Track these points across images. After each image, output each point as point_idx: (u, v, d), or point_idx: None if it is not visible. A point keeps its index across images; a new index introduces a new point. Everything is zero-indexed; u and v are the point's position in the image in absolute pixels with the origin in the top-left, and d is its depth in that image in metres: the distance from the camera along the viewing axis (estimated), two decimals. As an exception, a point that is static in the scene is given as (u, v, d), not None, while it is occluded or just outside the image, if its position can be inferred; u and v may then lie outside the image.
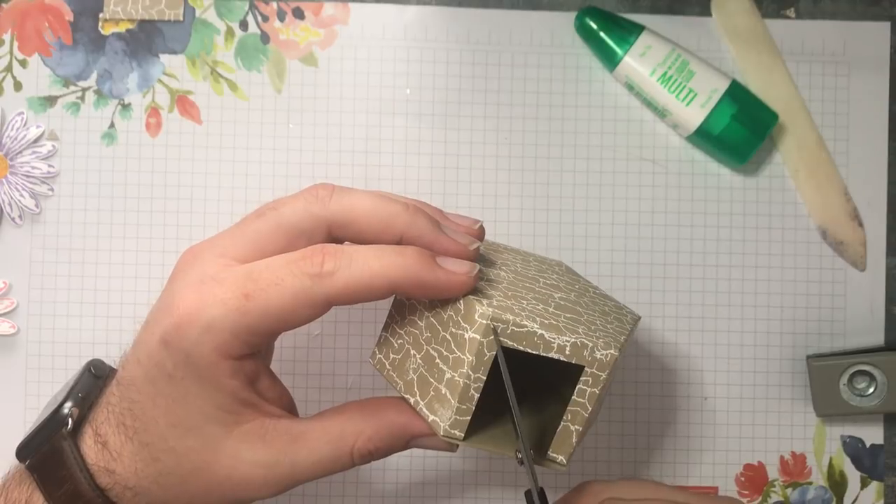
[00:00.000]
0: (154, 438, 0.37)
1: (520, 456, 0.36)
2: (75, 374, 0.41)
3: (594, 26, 0.50)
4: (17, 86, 0.51)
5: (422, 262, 0.36)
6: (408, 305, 0.39)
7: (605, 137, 0.51)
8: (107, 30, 0.51)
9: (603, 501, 0.38)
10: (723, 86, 0.49)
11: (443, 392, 0.37)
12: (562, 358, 0.36)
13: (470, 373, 0.36)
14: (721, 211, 0.51)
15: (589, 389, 0.37)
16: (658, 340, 0.51)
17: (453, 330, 0.36)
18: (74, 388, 0.39)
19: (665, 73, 0.49)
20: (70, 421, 0.37)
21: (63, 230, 0.50)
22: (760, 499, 0.51)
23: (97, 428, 0.38)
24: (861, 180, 0.51)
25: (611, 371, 0.37)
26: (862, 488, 0.51)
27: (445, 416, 0.36)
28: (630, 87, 0.50)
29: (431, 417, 0.37)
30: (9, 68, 0.51)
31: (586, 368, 0.36)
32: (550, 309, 0.38)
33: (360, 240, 0.37)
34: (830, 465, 0.51)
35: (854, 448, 0.51)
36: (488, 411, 0.38)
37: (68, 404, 0.38)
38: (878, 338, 0.51)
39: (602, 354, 0.36)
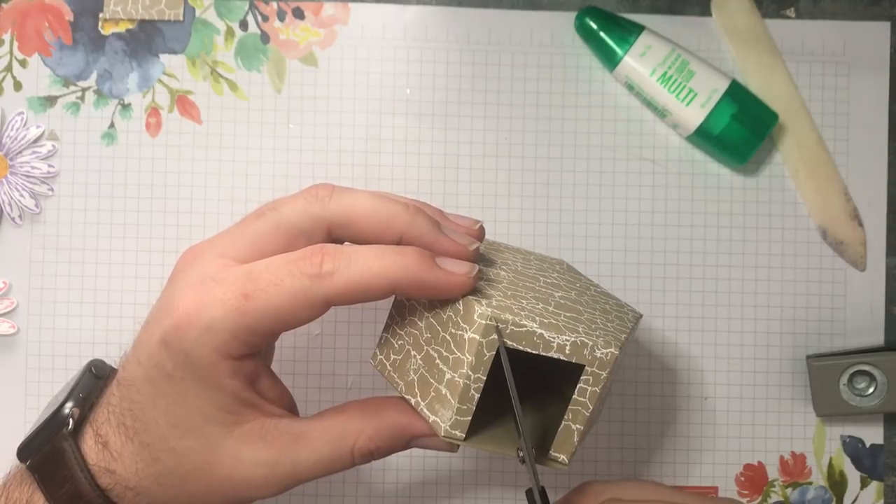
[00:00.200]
0: (154, 439, 0.37)
1: (521, 454, 0.36)
2: (76, 374, 0.41)
3: (594, 26, 0.50)
4: (17, 86, 0.51)
5: (421, 262, 0.36)
6: (408, 306, 0.39)
7: (605, 137, 0.51)
8: (107, 30, 0.51)
9: (603, 502, 0.38)
10: (723, 86, 0.49)
11: (443, 392, 0.37)
12: (562, 357, 0.36)
13: (470, 373, 0.36)
14: (721, 211, 0.51)
15: (590, 388, 0.37)
16: (658, 340, 0.51)
17: (453, 330, 0.36)
18: (75, 388, 0.39)
19: (665, 73, 0.49)
20: (71, 421, 0.37)
21: (63, 230, 0.50)
22: (760, 499, 0.51)
23: (98, 428, 0.38)
24: (861, 180, 0.51)
25: (612, 370, 0.37)
26: (862, 488, 0.51)
27: (446, 416, 0.36)
28: (630, 87, 0.50)
29: (432, 418, 0.37)
30: (9, 68, 0.51)
31: (587, 367, 0.36)
32: (550, 308, 0.38)
33: (360, 240, 0.37)
34: (830, 465, 0.51)
35: (854, 448, 0.51)
36: (489, 411, 0.38)
37: (69, 405, 0.38)
38: (878, 338, 0.51)
39: (602, 353, 0.36)
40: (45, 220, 0.50)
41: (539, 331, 0.36)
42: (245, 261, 0.36)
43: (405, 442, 0.39)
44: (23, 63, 0.51)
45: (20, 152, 0.50)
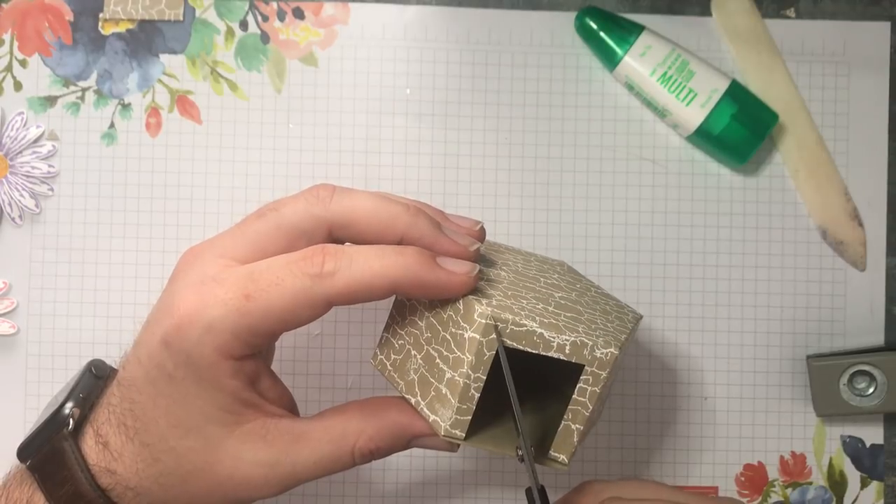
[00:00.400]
0: (155, 439, 0.37)
1: (520, 453, 0.36)
2: (76, 374, 0.41)
3: (594, 26, 0.50)
4: (17, 86, 0.51)
5: (422, 262, 0.36)
6: (408, 306, 0.39)
7: (605, 137, 0.51)
8: (107, 30, 0.51)
9: (604, 501, 0.38)
10: (723, 86, 0.49)
11: (443, 392, 0.37)
12: (561, 357, 0.36)
13: (470, 372, 0.36)
14: (721, 211, 0.51)
15: (589, 388, 0.37)
16: (658, 340, 0.51)
17: (453, 330, 0.36)
18: (75, 388, 0.39)
19: (665, 73, 0.49)
20: (71, 421, 0.37)
21: (63, 230, 0.50)
22: (760, 499, 0.51)
23: (98, 428, 0.38)
24: (861, 180, 0.51)
25: (611, 370, 0.37)
26: (862, 488, 0.51)
27: (446, 416, 0.36)
28: (630, 87, 0.50)
29: (432, 417, 0.37)
30: (9, 68, 0.51)
31: (586, 367, 0.36)
32: (550, 308, 0.38)
33: (361, 240, 0.37)
34: (830, 465, 0.51)
35: (854, 448, 0.51)
36: (489, 411, 0.38)
37: (69, 405, 0.38)
38: (878, 338, 0.51)
39: (602, 353, 0.36)
40: (45, 220, 0.50)
41: (539, 330, 0.36)
42: (246, 261, 0.36)
43: (406, 442, 0.39)
44: (23, 63, 0.51)
45: (20, 152, 0.50)
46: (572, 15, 0.51)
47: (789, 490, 0.51)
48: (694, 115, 0.49)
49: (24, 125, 0.50)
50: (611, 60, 0.50)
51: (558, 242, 0.51)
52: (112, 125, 0.51)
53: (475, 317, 0.36)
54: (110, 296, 0.50)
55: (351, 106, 0.51)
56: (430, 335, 0.38)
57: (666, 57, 0.49)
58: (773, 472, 0.51)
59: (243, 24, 0.51)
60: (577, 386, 0.37)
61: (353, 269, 0.35)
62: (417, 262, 0.36)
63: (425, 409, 0.37)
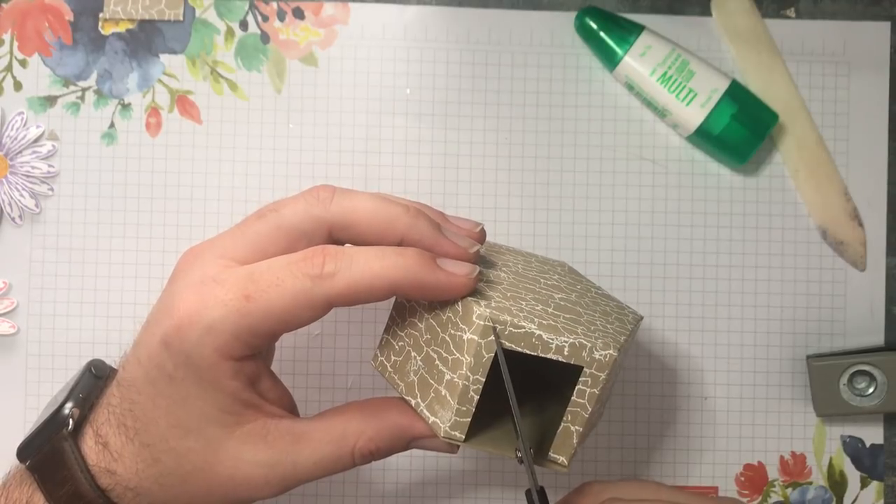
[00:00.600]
0: (155, 439, 0.37)
1: (519, 455, 0.36)
2: (76, 374, 0.41)
3: (594, 26, 0.50)
4: (17, 86, 0.51)
5: (422, 263, 0.36)
6: (408, 308, 0.39)
7: (605, 137, 0.51)
8: (107, 30, 0.51)
9: (604, 502, 0.38)
10: (723, 86, 0.49)
11: (443, 393, 0.37)
12: (560, 359, 0.36)
13: (469, 374, 0.36)
14: (721, 211, 0.51)
15: (588, 390, 0.37)
16: (658, 340, 0.51)
17: (452, 331, 0.36)
18: (75, 388, 0.39)
19: (665, 73, 0.49)
20: (71, 421, 0.37)
21: (63, 230, 0.50)
22: (760, 499, 0.51)
23: (98, 429, 0.38)
24: (861, 180, 0.51)
25: (610, 371, 0.37)
26: (862, 488, 0.51)
27: (446, 417, 0.36)
28: (630, 87, 0.50)
29: (432, 419, 0.37)
30: (9, 68, 0.51)
31: (585, 369, 0.36)
32: (550, 310, 0.38)
33: (361, 241, 0.37)
34: (830, 465, 0.51)
35: (854, 448, 0.51)
36: (489, 412, 0.38)
37: (69, 405, 0.38)
38: (878, 338, 0.51)
39: (601, 355, 0.36)
40: (45, 220, 0.50)
41: (538, 332, 0.36)
42: (246, 262, 0.36)
43: (405, 443, 0.39)
44: (23, 63, 0.51)
45: (20, 152, 0.50)
46: (572, 15, 0.51)
47: (789, 490, 0.51)
48: (694, 115, 0.49)
49: (24, 125, 0.50)
50: (611, 60, 0.50)
51: (558, 242, 0.51)
52: (112, 125, 0.51)
53: (474, 318, 0.36)
54: (110, 296, 0.50)
55: (351, 106, 0.51)
56: (429, 337, 0.38)
57: (666, 57, 0.49)
58: (773, 472, 0.51)
59: (243, 24, 0.51)
60: (576, 388, 0.37)
61: (353, 270, 0.35)
62: (417, 263, 0.36)
63: (425, 411, 0.37)
